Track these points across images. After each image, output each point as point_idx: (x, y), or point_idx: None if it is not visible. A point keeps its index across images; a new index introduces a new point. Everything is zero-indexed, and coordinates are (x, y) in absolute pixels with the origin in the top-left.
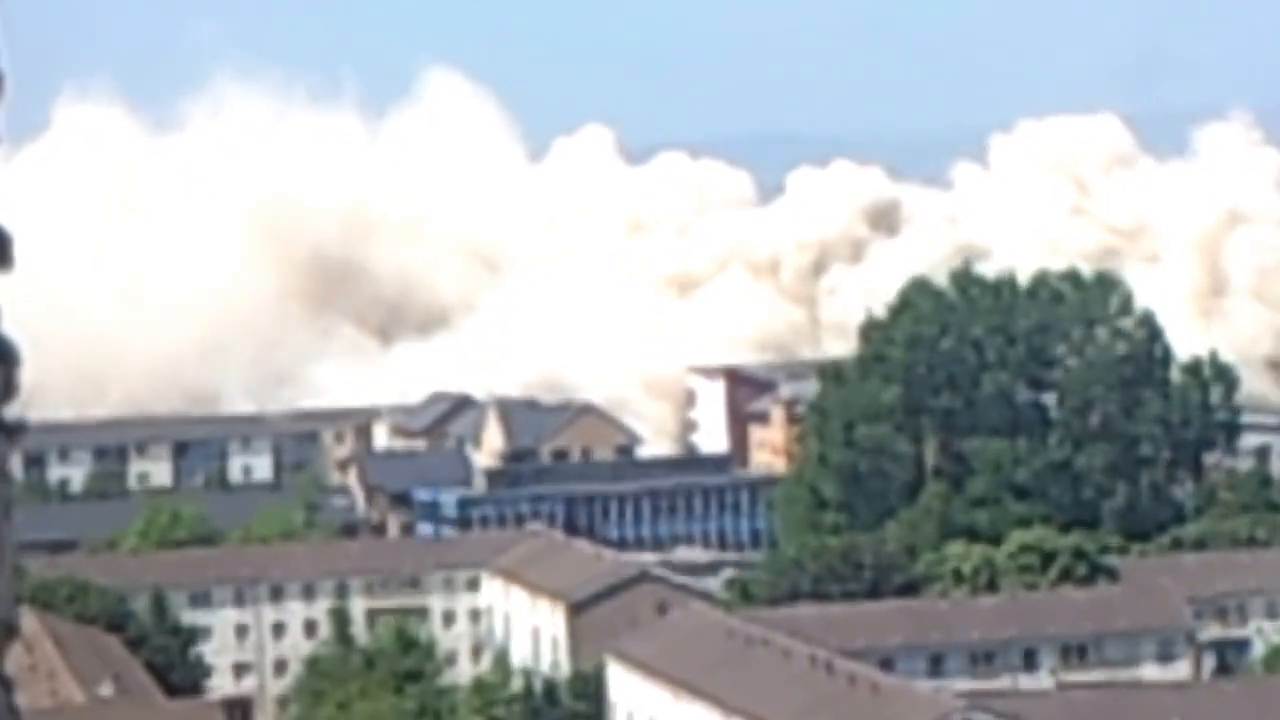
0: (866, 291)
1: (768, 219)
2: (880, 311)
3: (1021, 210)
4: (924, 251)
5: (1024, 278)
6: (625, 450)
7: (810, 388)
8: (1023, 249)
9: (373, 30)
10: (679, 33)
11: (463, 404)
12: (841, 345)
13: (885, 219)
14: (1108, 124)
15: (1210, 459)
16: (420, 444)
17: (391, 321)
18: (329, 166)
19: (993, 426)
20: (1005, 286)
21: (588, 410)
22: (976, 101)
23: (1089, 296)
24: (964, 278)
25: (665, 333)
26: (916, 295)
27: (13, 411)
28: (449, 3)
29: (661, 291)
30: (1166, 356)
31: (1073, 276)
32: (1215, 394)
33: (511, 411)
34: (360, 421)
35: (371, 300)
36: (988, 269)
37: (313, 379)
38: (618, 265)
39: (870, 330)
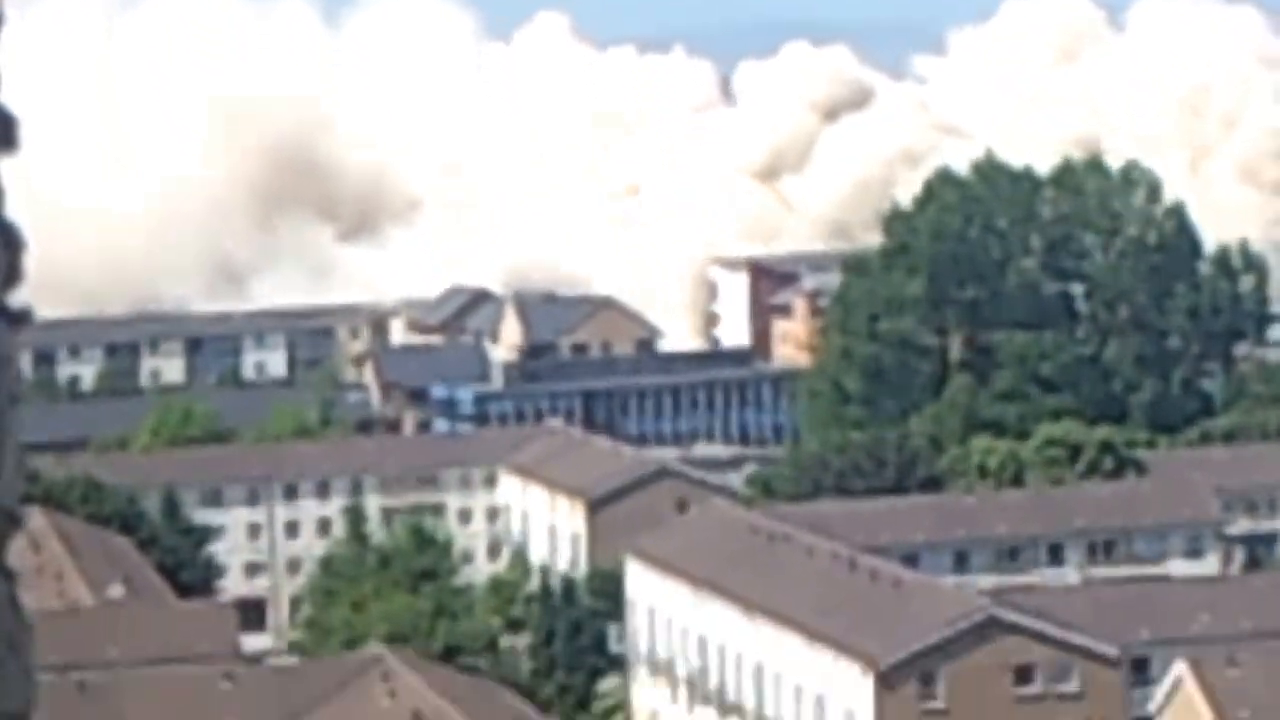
0: (839, 176)
1: (734, 111)
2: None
3: (988, 98)
4: (895, 135)
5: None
6: (645, 344)
7: (834, 280)
8: (994, 138)
9: None
10: None
11: (480, 298)
12: (817, 234)
13: (854, 102)
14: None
15: (1240, 351)
16: (437, 339)
17: (361, 216)
18: (287, 59)
19: (1019, 319)
20: (1027, 177)
21: (607, 304)
22: None
23: (1115, 187)
24: (987, 168)
25: (644, 226)
26: (940, 186)
27: (18, 298)
28: None
29: (626, 190)
30: (1195, 247)
31: (1097, 166)
32: (1245, 284)
33: (529, 305)
34: (376, 316)
35: (337, 195)
36: (962, 157)
37: (274, 278)
38: (584, 162)
39: (894, 221)
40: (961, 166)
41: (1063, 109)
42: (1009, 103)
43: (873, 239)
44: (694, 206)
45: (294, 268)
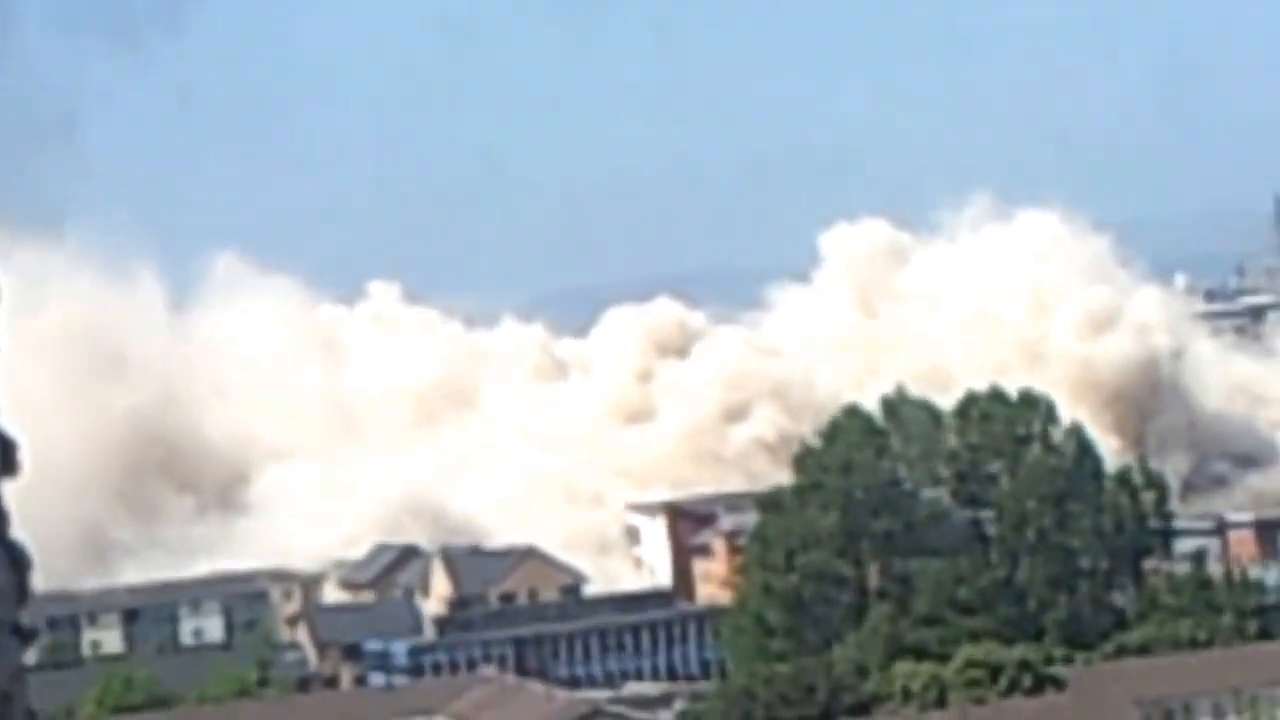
0: (674, 424)
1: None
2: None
3: (811, 344)
4: (723, 380)
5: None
6: (571, 590)
7: (749, 518)
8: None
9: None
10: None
11: (408, 554)
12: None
13: (681, 348)
14: (878, 231)
15: (1149, 565)
16: (368, 596)
17: (223, 488)
18: (137, 337)
19: (932, 547)
20: (929, 409)
21: (531, 553)
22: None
23: (1016, 413)
24: (892, 402)
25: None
26: (846, 422)
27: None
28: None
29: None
30: (1098, 468)
31: (998, 394)
32: (1146, 501)
33: (456, 559)
34: (307, 577)
35: (196, 469)
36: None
37: (147, 553)
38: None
39: (804, 458)
40: (798, 406)
41: (878, 351)
42: (831, 348)
43: (708, 484)
44: (562, 454)
45: (161, 542)
